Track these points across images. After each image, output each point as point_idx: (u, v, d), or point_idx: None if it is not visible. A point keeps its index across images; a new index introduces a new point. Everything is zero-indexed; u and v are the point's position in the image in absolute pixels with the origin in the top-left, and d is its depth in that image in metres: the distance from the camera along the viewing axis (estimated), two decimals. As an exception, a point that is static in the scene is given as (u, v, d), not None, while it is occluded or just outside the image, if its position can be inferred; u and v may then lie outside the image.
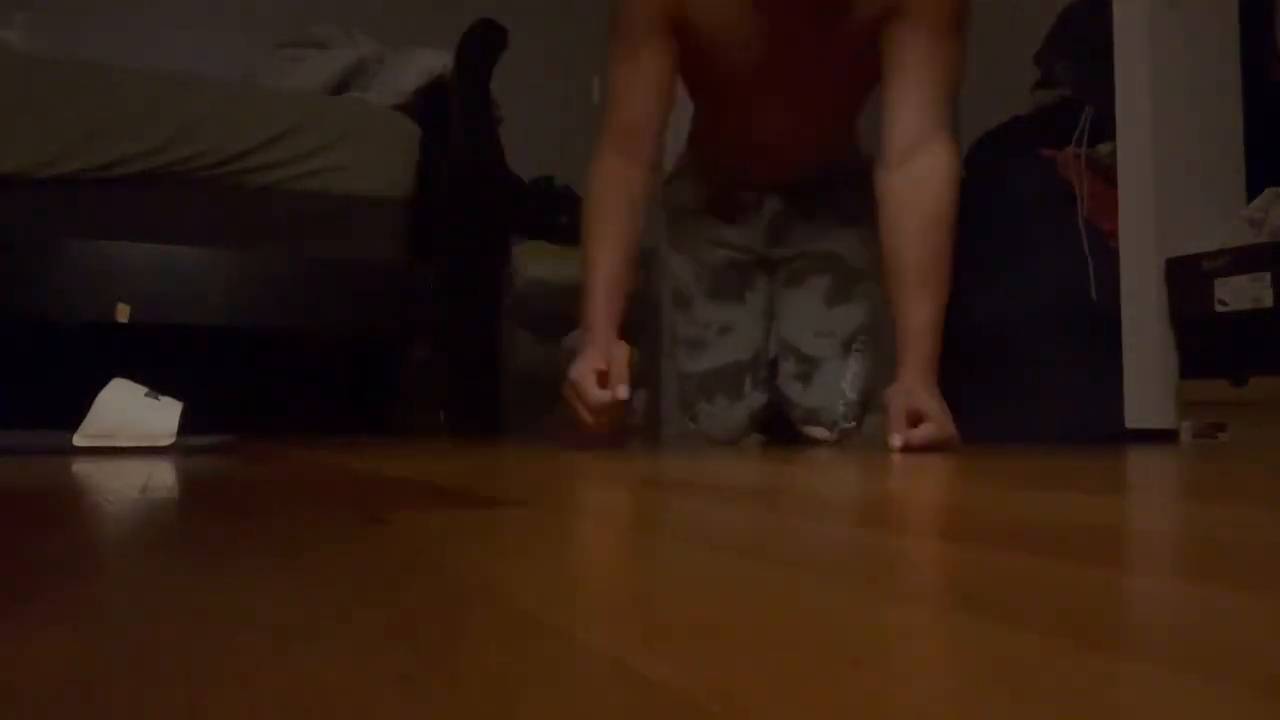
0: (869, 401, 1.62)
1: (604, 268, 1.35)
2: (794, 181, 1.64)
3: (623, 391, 1.26)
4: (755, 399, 1.65)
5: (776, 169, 1.61)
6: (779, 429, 1.68)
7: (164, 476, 0.74)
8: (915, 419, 1.18)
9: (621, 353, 1.29)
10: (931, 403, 1.19)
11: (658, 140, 1.40)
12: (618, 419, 1.30)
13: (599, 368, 1.27)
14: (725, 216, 1.67)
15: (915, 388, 1.21)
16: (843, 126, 1.58)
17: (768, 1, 1.33)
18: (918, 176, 1.27)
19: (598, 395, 1.25)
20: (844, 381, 1.60)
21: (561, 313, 2.77)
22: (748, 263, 1.68)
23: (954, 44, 1.29)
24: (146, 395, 1.23)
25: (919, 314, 1.24)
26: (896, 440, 1.17)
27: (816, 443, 1.60)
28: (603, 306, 1.34)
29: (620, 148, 1.38)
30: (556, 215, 2.84)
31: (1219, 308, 1.74)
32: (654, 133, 1.38)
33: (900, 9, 1.29)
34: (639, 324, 3.05)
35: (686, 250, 1.69)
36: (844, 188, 1.65)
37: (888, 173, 1.30)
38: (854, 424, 1.61)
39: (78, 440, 1.18)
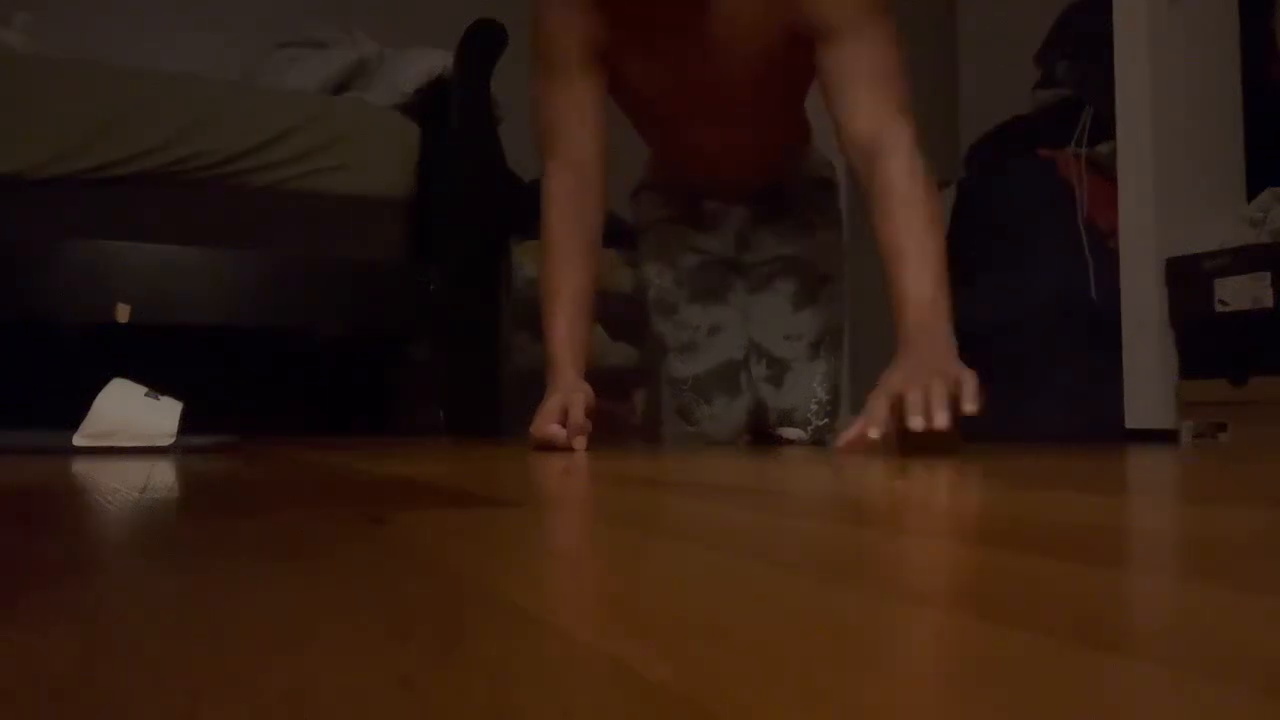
0: (837, 399, 1.66)
1: (568, 296, 1.32)
2: (752, 189, 1.64)
3: (579, 444, 1.22)
4: (751, 393, 1.66)
5: (728, 181, 1.61)
6: (753, 430, 1.69)
7: (164, 476, 0.74)
8: (899, 408, 1.04)
9: (581, 399, 1.25)
10: (913, 390, 1.01)
11: (605, 166, 1.38)
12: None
13: (556, 419, 1.22)
14: (695, 224, 1.68)
15: (901, 364, 1.08)
16: (788, 128, 1.57)
17: (666, 26, 1.31)
18: (875, 171, 1.20)
19: (561, 443, 1.21)
20: (814, 381, 1.62)
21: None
22: (723, 264, 1.69)
23: (877, 28, 1.23)
24: (146, 395, 1.23)
25: (903, 288, 1.13)
26: (871, 432, 1.03)
27: (791, 443, 1.61)
28: (566, 341, 1.30)
29: (572, 182, 1.36)
30: (556, 216, 2.83)
31: (1219, 308, 1.74)
32: (603, 159, 1.37)
33: (809, 26, 1.25)
34: (637, 324, 3.05)
35: (663, 258, 1.69)
36: (806, 190, 1.65)
37: (854, 171, 1.25)
38: (826, 421, 1.63)
39: (78, 440, 1.18)
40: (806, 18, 1.25)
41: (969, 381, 1.03)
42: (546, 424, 1.22)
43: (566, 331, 1.31)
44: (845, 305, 1.69)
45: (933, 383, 1.01)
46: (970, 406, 1.02)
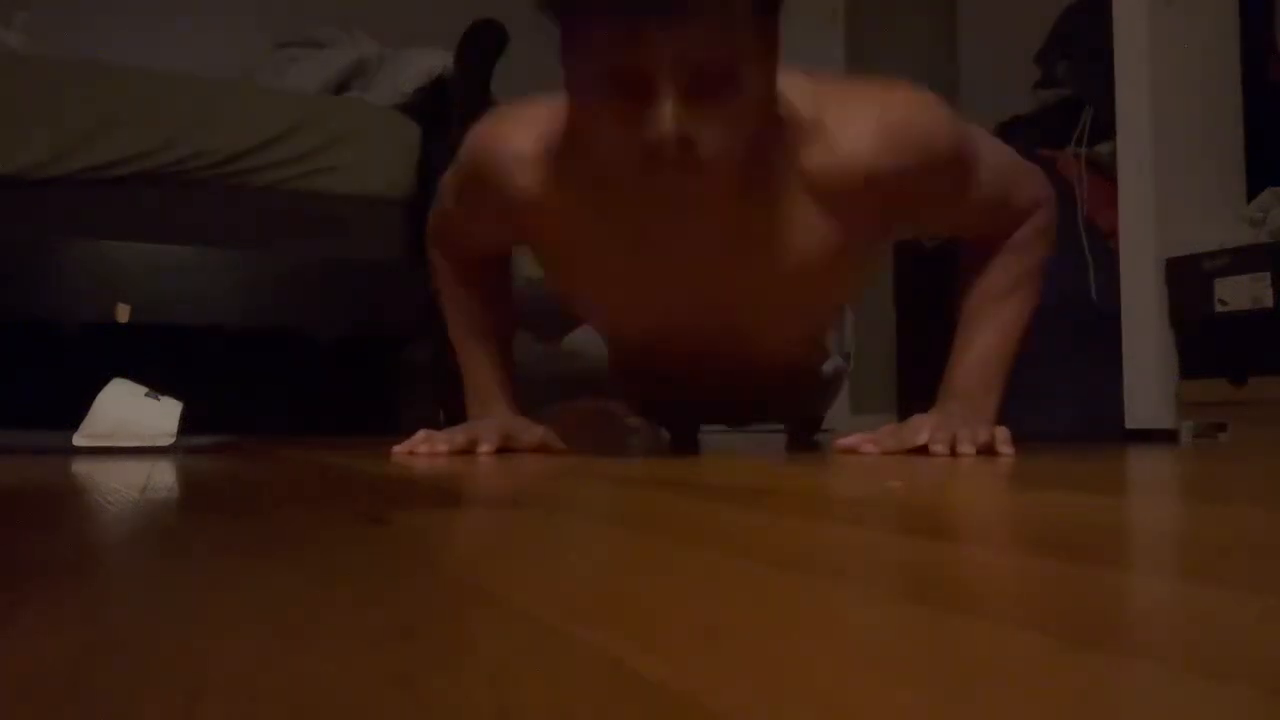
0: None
1: (487, 360, 1.17)
2: (737, 411, 1.48)
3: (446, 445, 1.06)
4: None
5: (709, 406, 1.40)
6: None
7: (164, 476, 0.74)
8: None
9: (540, 433, 1.12)
10: (926, 422, 0.99)
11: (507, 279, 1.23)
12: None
13: (508, 445, 1.08)
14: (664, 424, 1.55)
15: (941, 409, 1.04)
16: (812, 347, 1.29)
17: (655, 197, 0.92)
18: (1002, 251, 1.08)
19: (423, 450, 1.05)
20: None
21: (561, 312, 2.77)
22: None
23: (974, 164, 1.00)
24: (146, 395, 1.23)
25: (968, 334, 1.06)
26: (844, 441, 1.04)
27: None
28: (495, 374, 1.17)
29: (470, 279, 1.19)
30: (556, 215, 2.84)
31: (1219, 308, 1.74)
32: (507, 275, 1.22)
33: (901, 204, 0.97)
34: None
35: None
36: (810, 396, 1.46)
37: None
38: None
39: (78, 440, 1.18)
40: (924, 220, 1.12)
41: (1002, 431, 1.00)
42: (428, 444, 1.06)
43: (495, 374, 1.18)
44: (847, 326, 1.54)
45: (960, 430, 0.98)
46: (1006, 449, 0.99)
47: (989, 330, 1.06)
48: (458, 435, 1.08)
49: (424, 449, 1.06)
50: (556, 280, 1.14)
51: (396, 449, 1.07)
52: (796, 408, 1.49)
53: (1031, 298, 1.10)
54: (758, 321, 1.09)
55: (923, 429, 0.99)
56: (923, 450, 0.98)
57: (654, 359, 1.20)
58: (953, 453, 0.96)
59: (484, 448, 1.07)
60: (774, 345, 1.15)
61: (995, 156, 1.05)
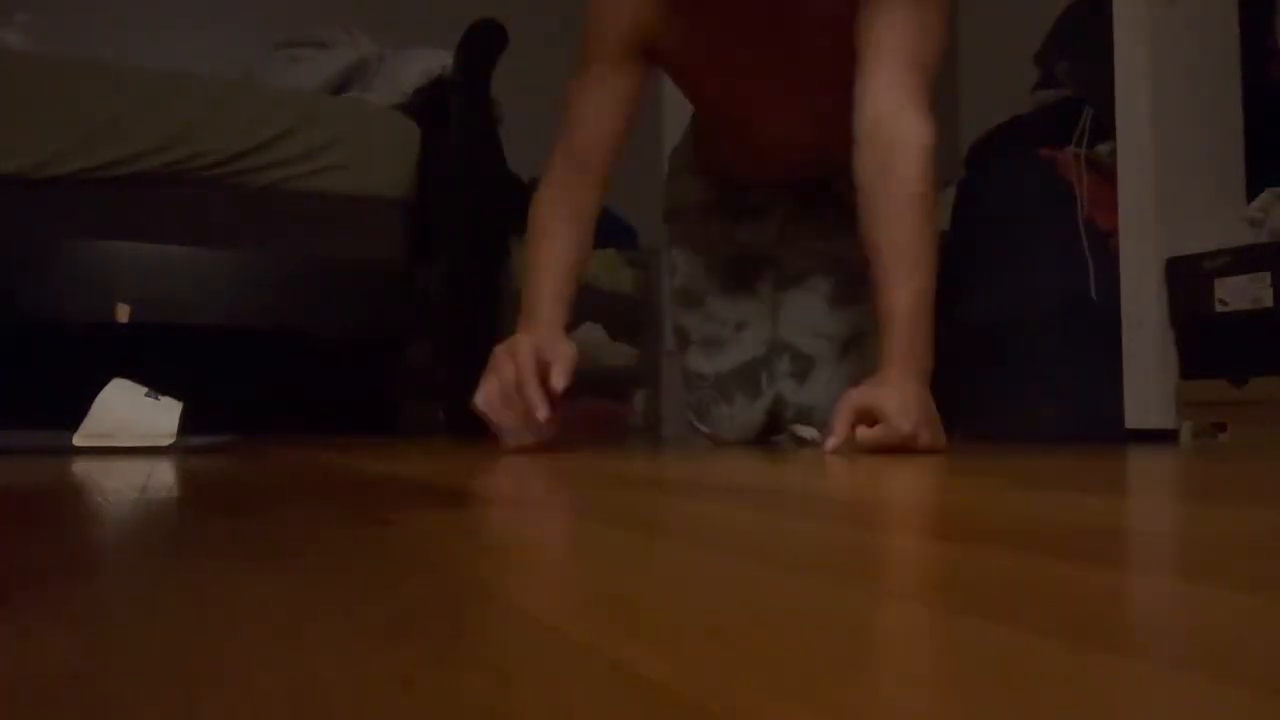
0: None
1: (554, 255, 1.25)
2: (801, 179, 1.60)
3: (547, 432, 1.14)
4: (769, 394, 1.64)
5: (782, 167, 1.57)
6: (767, 428, 1.67)
7: (164, 476, 0.74)
8: (870, 418, 1.05)
9: (564, 355, 1.15)
10: (892, 398, 1.04)
11: (613, 160, 1.32)
12: (552, 429, 1.16)
13: (541, 358, 1.13)
14: (733, 215, 1.64)
15: (885, 379, 1.09)
16: (844, 115, 1.47)
17: (723, 18, 1.27)
18: (884, 159, 1.15)
19: (533, 398, 1.11)
20: (839, 383, 1.57)
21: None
22: (757, 258, 1.66)
23: (927, 12, 1.17)
24: (146, 395, 1.23)
25: (894, 300, 1.11)
26: (828, 443, 1.05)
27: (804, 442, 1.59)
28: (550, 288, 1.23)
29: (573, 165, 1.31)
30: (556, 215, 2.83)
31: (1219, 308, 1.74)
32: (611, 151, 1.31)
33: None
34: (637, 324, 3.05)
35: (695, 248, 1.66)
36: (850, 187, 1.60)
37: (858, 154, 1.19)
38: None
39: (78, 440, 1.18)
40: None
41: (927, 434, 1.07)
42: (524, 367, 1.12)
43: (550, 289, 1.23)
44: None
45: (905, 436, 1.04)
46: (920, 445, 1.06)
47: (908, 281, 1.12)
48: (491, 381, 1.15)
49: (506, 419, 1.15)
50: (679, 78, 1.40)
51: (500, 431, 1.14)
52: (845, 171, 1.60)
53: (938, 228, 1.19)
54: (816, 80, 1.33)
55: (905, 420, 1.04)
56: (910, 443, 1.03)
57: (745, 130, 1.46)
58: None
59: (523, 376, 1.13)
60: (827, 104, 1.34)
61: (935, 33, 1.20)
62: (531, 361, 1.13)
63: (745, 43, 1.32)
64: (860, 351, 1.61)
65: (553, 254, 1.26)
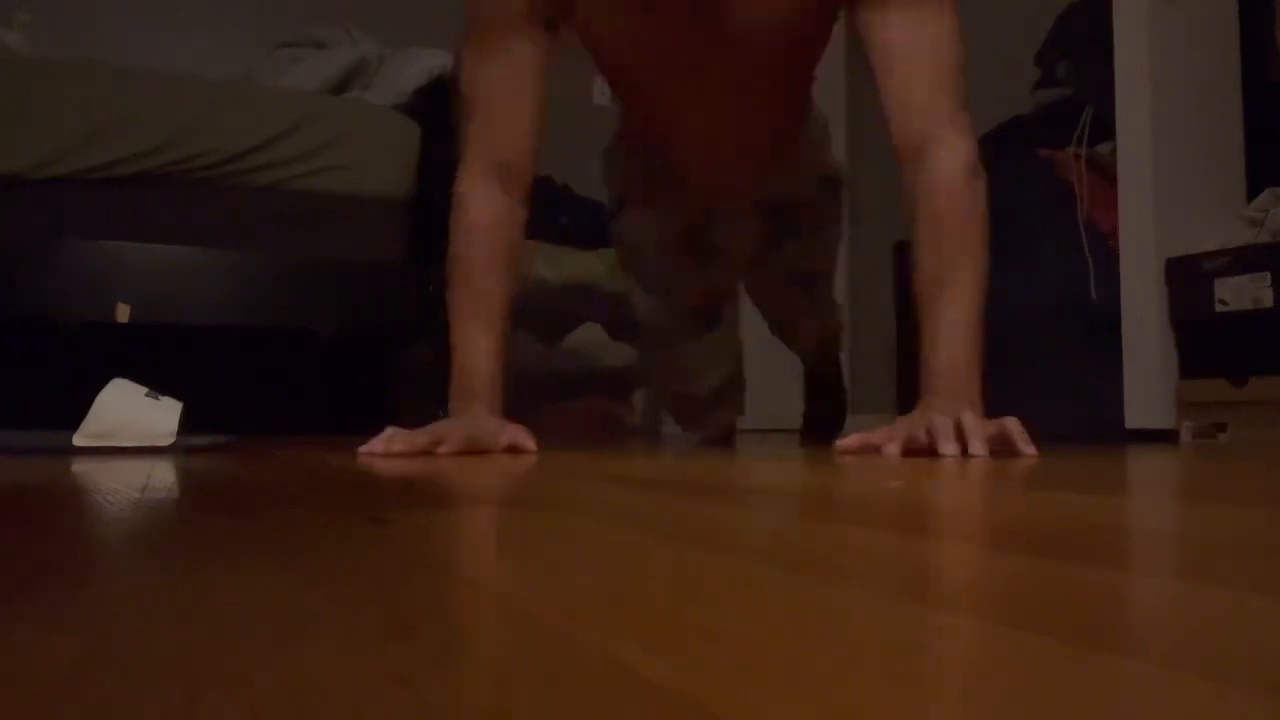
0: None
1: (491, 320, 1.15)
2: (752, 189, 1.46)
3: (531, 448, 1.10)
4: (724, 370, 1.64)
5: (727, 172, 1.40)
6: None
7: (164, 476, 0.74)
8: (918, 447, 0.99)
9: (522, 438, 1.11)
10: (939, 421, 0.97)
11: (535, 159, 1.21)
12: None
13: (474, 449, 1.07)
14: (695, 253, 1.51)
15: (929, 402, 1.02)
16: (797, 106, 1.36)
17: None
18: (926, 185, 1.09)
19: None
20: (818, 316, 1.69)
21: (561, 313, 2.77)
22: (716, 292, 1.57)
23: (941, 15, 1.07)
24: (146, 395, 1.23)
25: (932, 322, 1.07)
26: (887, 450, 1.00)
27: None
28: (487, 366, 1.14)
29: (494, 170, 1.17)
30: (556, 215, 2.84)
31: (1219, 308, 1.74)
32: (532, 150, 1.19)
33: None
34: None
35: (656, 290, 1.54)
36: (817, 197, 1.53)
37: (901, 177, 1.13)
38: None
39: (78, 440, 1.18)
40: None
41: (1015, 424, 0.99)
42: (398, 442, 1.05)
43: (488, 367, 1.14)
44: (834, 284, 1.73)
45: (964, 415, 0.96)
46: (1028, 449, 0.97)
47: (965, 306, 1.07)
48: (420, 436, 1.06)
49: (382, 448, 1.04)
50: (599, 60, 1.23)
51: (362, 449, 1.06)
52: (806, 182, 1.53)
53: (986, 251, 1.12)
54: (744, 70, 1.19)
55: (924, 420, 0.98)
56: (933, 450, 0.96)
57: (664, 117, 1.29)
58: (964, 452, 0.94)
59: (444, 449, 1.05)
60: (774, 97, 1.26)
61: (955, 41, 1.10)
62: (460, 447, 1.07)
63: (673, 33, 1.15)
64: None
65: (491, 317, 1.16)
